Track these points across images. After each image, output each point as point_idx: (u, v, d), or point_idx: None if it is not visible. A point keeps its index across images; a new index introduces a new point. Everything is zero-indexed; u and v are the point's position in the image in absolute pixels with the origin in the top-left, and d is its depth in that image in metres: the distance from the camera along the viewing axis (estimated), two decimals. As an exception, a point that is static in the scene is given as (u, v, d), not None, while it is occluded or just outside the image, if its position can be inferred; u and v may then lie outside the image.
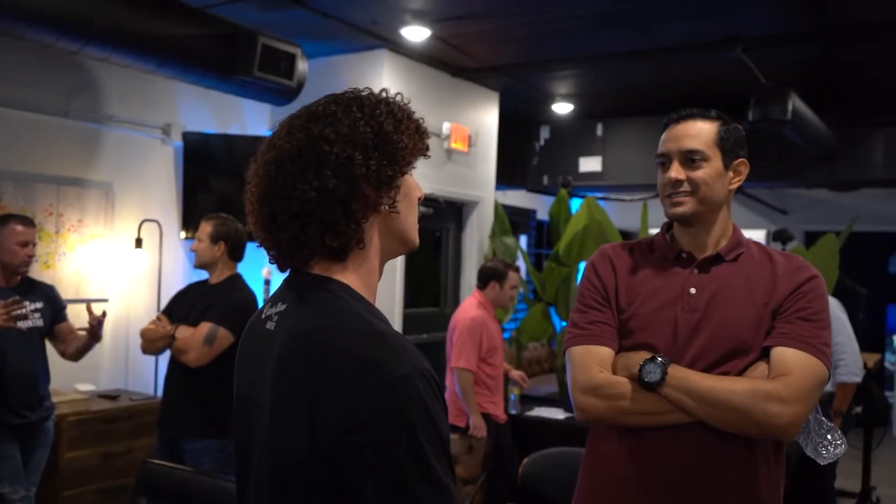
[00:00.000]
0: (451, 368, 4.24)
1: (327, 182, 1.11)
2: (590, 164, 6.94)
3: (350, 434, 1.03)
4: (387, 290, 5.03)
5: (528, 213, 8.88)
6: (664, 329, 1.71)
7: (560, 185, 6.67)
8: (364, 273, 1.19)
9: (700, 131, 1.73)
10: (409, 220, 1.23)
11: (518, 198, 8.38)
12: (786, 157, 6.06)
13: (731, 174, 1.76)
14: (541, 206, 8.51)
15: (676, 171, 1.73)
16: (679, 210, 1.74)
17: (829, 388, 4.15)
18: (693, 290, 1.72)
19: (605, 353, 1.73)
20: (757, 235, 8.83)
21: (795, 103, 4.58)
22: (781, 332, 1.65)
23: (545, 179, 7.19)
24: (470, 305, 4.35)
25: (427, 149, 1.24)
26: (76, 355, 3.37)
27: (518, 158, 7.21)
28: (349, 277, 1.17)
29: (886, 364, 8.79)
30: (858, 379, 4.08)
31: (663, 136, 1.78)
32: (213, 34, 3.76)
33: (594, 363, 1.72)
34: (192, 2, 3.83)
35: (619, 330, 1.76)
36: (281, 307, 1.19)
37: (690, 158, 1.72)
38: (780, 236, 5.74)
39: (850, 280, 5.32)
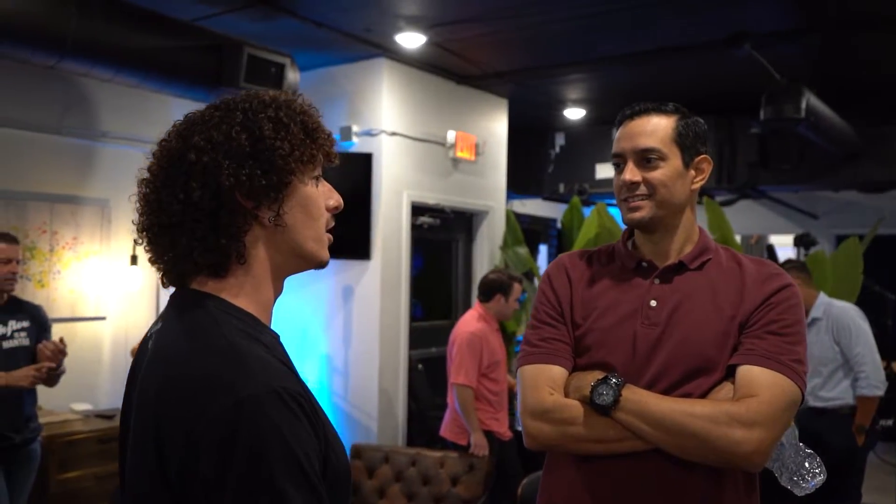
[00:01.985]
0: (450, 384, 4.09)
1: (192, 194, 1.04)
2: (606, 170, 6.75)
3: (192, 462, 0.93)
4: (392, 303, 4.90)
5: (549, 222, 8.70)
6: (622, 346, 1.57)
7: (575, 193, 6.51)
8: (250, 289, 1.10)
9: (656, 128, 1.58)
10: (306, 232, 1.12)
11: (537, 206, 8.21)
12: (808, 159, 5.81)
13: (692, 173, 1.61)
14: (561, 214, 8.33)
15: (631, 173, 1.58)
16: (636, 215, 1.59)
17: (850, 401, 3.91)
18: (653, 303, 1.58)
19: (558, 372, 1.59)
20: (785, 241, 8.54)
21: (810, 100, 4.35)
22: (748, 348, 1.49)
23: (561, 187, 7.02)
24: (470, 319, 4.20)
25: (331, 156, 1.15)
26: (50, 380, 3.30)
27: (533, 166, 7.05)
28: (231, 293, 1.08)
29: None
30: (881, 392, 3.83)
31: (617, 135, 1.64)
32: (197, 46, 3.68)
33: (545, 384, 1.58)
34: (182, 14, 3.77)
35: (575, 347, 1.62)
36: (159, 325, 1.12)
37: (646, 158, 1.58)
38: (802, 241, 5.50)
39: (878, 286, 5.05)
